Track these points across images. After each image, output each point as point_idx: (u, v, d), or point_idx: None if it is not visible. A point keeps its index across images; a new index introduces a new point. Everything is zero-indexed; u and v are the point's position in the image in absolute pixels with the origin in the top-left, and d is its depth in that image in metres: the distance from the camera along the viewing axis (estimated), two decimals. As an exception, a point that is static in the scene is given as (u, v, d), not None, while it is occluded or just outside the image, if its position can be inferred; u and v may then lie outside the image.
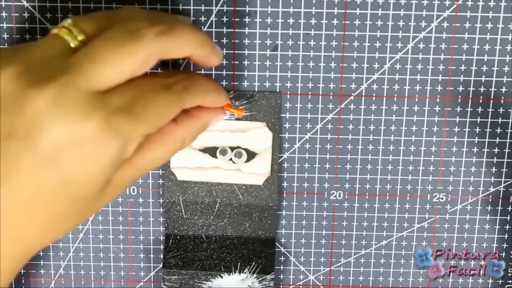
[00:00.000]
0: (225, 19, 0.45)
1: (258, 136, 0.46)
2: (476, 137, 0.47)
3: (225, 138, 0.46)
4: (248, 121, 0.46)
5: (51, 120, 0.31)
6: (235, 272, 0.47)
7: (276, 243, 0.49)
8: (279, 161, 0.47)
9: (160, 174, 0.47)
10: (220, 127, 0.44)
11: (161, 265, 0.48)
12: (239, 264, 0.47)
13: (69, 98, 0.32)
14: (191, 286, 0.47)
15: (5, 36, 0.45)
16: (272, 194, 0.47)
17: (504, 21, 0.44)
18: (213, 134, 0.44)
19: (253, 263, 0.47)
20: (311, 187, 0.48)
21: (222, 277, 0.47)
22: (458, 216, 0.48)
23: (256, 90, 0.46)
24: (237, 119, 0.46)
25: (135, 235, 0.48)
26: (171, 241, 0.48)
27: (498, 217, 0.48)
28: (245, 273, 0.47)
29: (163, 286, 0.47)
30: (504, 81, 0.45)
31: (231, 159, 0.46)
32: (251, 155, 0.46)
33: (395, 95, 0.46)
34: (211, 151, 0.46)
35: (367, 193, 0.48)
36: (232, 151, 0.46)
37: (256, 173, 0.46)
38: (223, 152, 0.46)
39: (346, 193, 0.48)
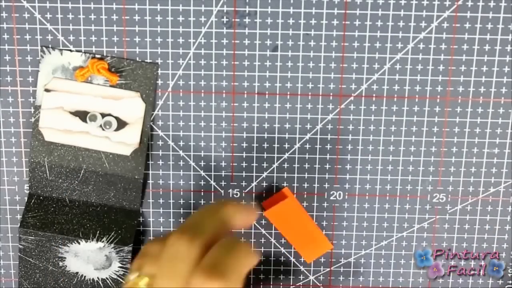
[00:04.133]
0: (225, 19, 0.45)
1: (131, 105, 0.45)
2: (476, 138, 0.47)
3: (97, 104, 0.45)
4: (122, 90, 0.45)
5: None
6: (92, 240, 0.46)
7: (276, 243, 0.49)
8: (279, 161, 0.47)
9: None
10: (94, 91, 0.44)
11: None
12: (98, 232, 0.46)
13: None
14: (47, 248, 0.46)
15: (5, 36, 0.45)
16: (138, 166, 0.46)
17: (504, 21, 0.44)
18: (86, 98, 0.44)
19: (113, 233, 0.46)
20: (311, 187, 0.48)
21: (79, 243, 0.46)
22: (458, 216, 0.48)
23: (138, 59, 0.46)
24: (111, 85, 0.45)
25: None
26: (33, 200, 0.47)
27: (498, 217, 0.48)
28: (103, 242, 0.46)
29: (19, 245, 0.46)
30: (504, 82, 0.45)
31: (100, 126, 0.45)
32: (121, 124, 0.45)
33: (395, 95, 0.46)
34: (82, 115, 0.45)
35: (367, 193, 0.48)
36: (103, 117, 0.45)
37: (124, 142, 0.46)
38: (93, 118, 0.45)
39: (346, 193, 0.48)
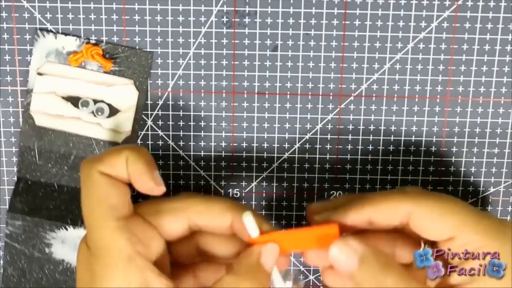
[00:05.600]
0: (225, 19, 0.45)
1: (124, 93, 0.45)
2: (476, 137, 0.47)
3: (90, 90, 0.45)
4: (115, 76, 0.45)
5: None
6: (80, 226, 0.46)
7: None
8: (279, 161, 0.47)
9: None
10: (87, 77, 0.44)
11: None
12: None
13: None
14: (34, 234, 0.46)
15: (5, 36, 0.45)
16: None
17: (504, 21, 0.44)
18: (79, 83, 0.43)
19: None
20: (311, 187, 0.48)
21: (67, 229, 0.46)
22: (458, 216, 0.48)
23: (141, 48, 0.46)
24: (105, 72, 0.45)
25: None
26: (21, 185, 0.46)
27: (498, 217, 0.48)
28: None
29: (6, 230, 0.46)
30: (504, 82, 0.45)
31: (92, 112, 0.45)
32: (113, 111, 0.45)
33: (395, 95, 0.46)
34: (74, 100, 0.45)
35: (367, 193, 0.48)
36: (95, 104, 0.45)
37: (116, 130, 0.45)
38: (85, 103, 0.45)
39: (346, 193, 0.48)
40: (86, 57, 0.45)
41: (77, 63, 0.45)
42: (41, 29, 0.45)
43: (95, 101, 0.45)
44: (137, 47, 0.45)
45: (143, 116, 0.46)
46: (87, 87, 0.45)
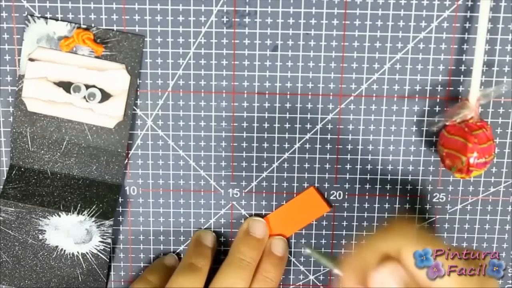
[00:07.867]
0: (225, 19, 0.45)
1: (115, 77, 0.45)
2: (476, 137, 0.46)
3: (82, 75, 0.45)
4: (107, 61, 0.45)
5: None
6: (73, 213, 0.46)
7: (276, 243, 0.49)
8: (279, 161, 0.47)
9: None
10: (78, 62, 0.43)
11: None
12: (79, 205, 0.46)
13: None
14: (27, 221, 0.46)
15: (5, 36, 0.45)
16: (122, 139, 0.46)
17: (504, 21, 0.44)
18: (70, 69, 0.43)
19: (94, 207, 0.46)
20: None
21: (59, 216, 0.46)
22: (458, 216, 0.48)
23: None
24: (96, 56, 0.45)
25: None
26: (14, 172, 0.46)
27: (498, 217, 0.48)
28: (84, 215, 0.46)
29: None
30: (504, 82, 0.45)
31: (84, 97, 0.45)
32: (105, 96, 0.45)
33: (395, 95, 0.46)
34: (66, 86, 0.45)
35: (367, 193, 0.48)
36: (87, 89, 0.44)
37: (108, 115, 0.45)
38: (77, 89, 0.44)
39: (346, 193, 0.48)
40: (77, 42, 0.44)
41: (68, 48, 0.44)
42: (31, 15, 0.45)
43: (87, 86, 0.45)
44: (128, 32, 0.45)
45: (143, 115, 0.46)
46: (79, 72, 0.45)
